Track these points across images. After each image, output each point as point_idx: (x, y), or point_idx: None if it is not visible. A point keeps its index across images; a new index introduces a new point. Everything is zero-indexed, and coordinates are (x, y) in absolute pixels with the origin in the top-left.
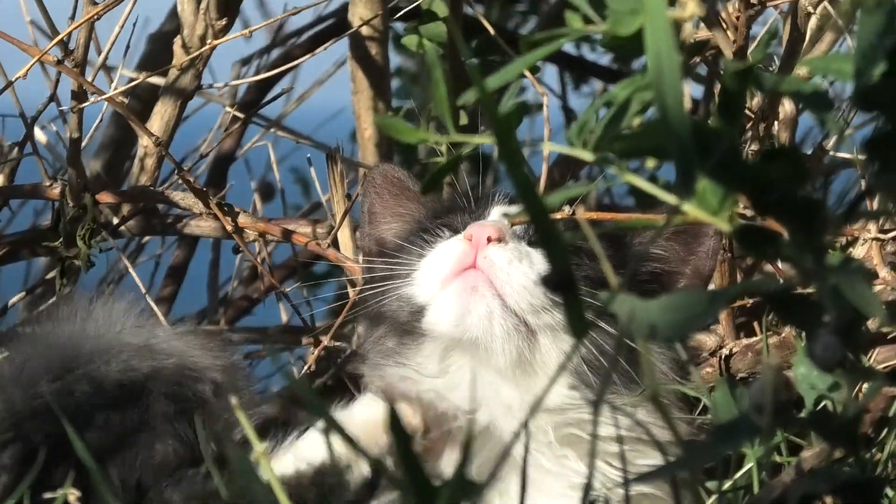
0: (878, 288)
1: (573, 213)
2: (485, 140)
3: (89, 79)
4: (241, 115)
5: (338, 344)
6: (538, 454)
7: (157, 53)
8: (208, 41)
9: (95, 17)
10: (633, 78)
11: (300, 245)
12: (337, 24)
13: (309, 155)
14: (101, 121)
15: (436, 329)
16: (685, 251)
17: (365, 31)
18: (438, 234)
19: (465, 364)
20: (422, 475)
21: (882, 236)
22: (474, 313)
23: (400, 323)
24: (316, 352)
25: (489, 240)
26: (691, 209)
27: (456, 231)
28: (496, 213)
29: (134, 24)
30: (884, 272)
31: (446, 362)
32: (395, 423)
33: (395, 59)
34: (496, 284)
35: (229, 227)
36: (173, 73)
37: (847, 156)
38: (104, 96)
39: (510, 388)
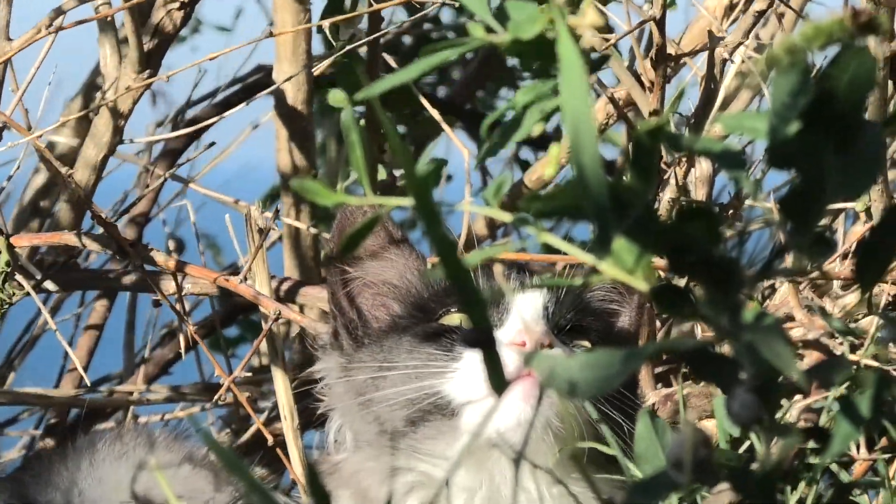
0: (795, 330)
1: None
2: (403, 202)
3: (9, 119)
4: (161, 173)
5: (254, 388)
6: None
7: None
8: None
9: (12, 53)
10: (535, 84)
11: (215, 291)
12: (255, 85)
13: (228, 214)
14: (18, 168)
15: (481, 431)
16: (627, 290)
17: (289, 89)
18: (460, 336)
19: (499, 460)
20: None
21: (798, 278)
22: (532, 422)
23: (420, 413)
24: (226, 384)
25: (541, 346)
26: (608, 268)
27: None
28: (523, 305)
29: (50, 81)
30: (800, 314)
31: (478, 459)
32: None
33: None
34: (552, 393)
35: (130, 254)
36: (94, 128)
37: (763, 205)
38: (27, 137)
39: (537, 483)
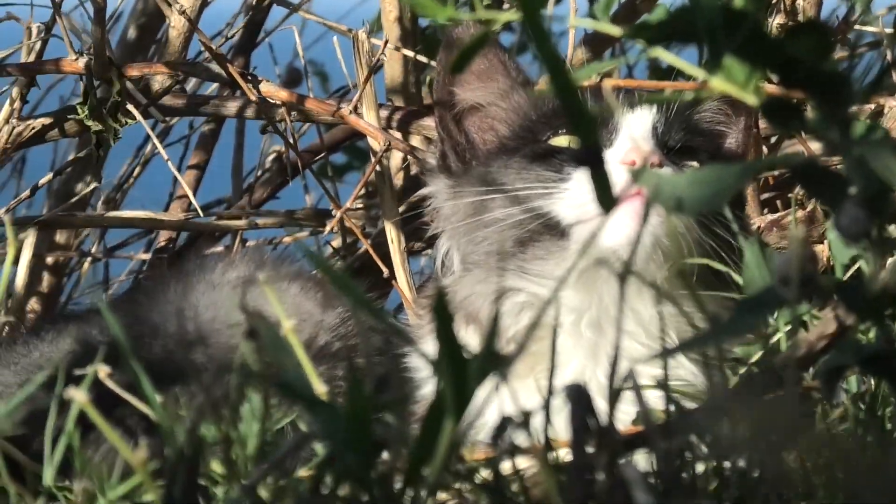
0: None
1: (600, 82)
2: (513, 17)
3: None
4: None
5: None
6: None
7: None
8: None
9: None
10: None
11: (324, 119)
12: None
13: (335, 38)
14: None
15: (590, 250)
16: (734, 112)
17: None
18: (569, 156)
19: (608, 280)
20: (456, 350)
21: None
22: (642, 239)
23: (529, 233)
24: (339, 214)
25: (651, 165)
26: (719, 83)
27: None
28: (633, 125)
29: None
30: None
31: (588, 279)
32: (440, 303)
33: None
34: (661, 212)
35: (252, 96)
36: None
37: (872, 29)
38: None
39: (646, 303)
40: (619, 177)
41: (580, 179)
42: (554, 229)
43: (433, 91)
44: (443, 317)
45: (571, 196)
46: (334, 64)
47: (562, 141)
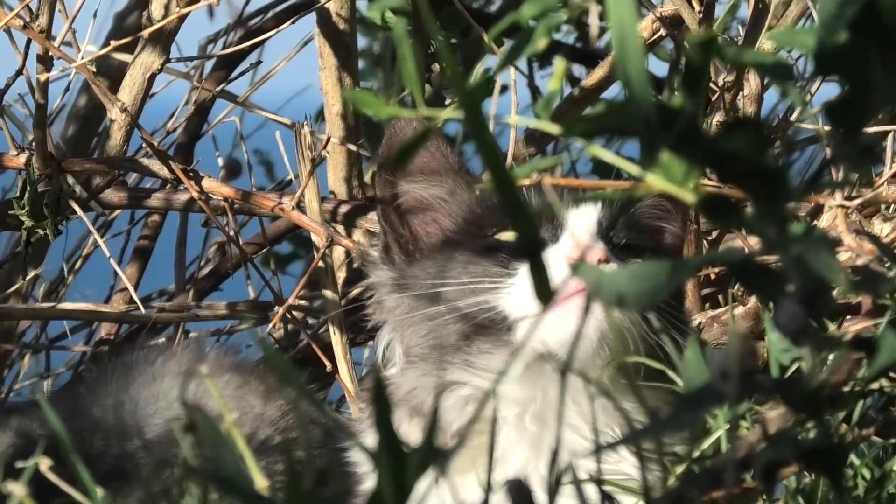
0: (843, 255)
1: (539, 181)
2: (453, 114)
3: (56, 50)
4: (209, 89)
5: (303, 305)
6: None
7: (123, 32)
8: (175, 11)
9: None
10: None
11: (266, 213)
12: (303, 2)
13: (278, 131)
14: (67, 89)
15: (534, 346)
16: (673, 207)
17: (332, 6)
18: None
19: (552, 375)
20: (395, 442)
21: (847, 203)
22: (586, 335)
23: (475, 327)
24: (281, 311)
25: (598, 261)
26: (656, 180)
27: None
28: (578, 221)
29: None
30: (849, 239)
31: (532, 373)
32: (379, 394)
33: (361, 42)
34: (606, 307)
35: (194, 193)
36: (141, 45)
37: (811, 126)
38: (74, 64)
39: (587, 398)
40: (562, 271)
41: (526, 274)
42: (500, 324)
43: (375, 185)
44: (381, 406)
45: (518, 291)
46: (278, 151)
47: (508, 236)
